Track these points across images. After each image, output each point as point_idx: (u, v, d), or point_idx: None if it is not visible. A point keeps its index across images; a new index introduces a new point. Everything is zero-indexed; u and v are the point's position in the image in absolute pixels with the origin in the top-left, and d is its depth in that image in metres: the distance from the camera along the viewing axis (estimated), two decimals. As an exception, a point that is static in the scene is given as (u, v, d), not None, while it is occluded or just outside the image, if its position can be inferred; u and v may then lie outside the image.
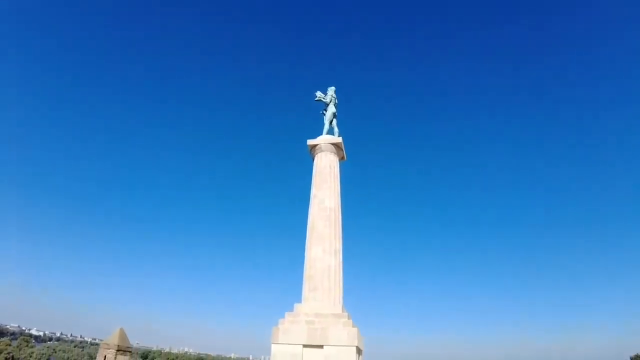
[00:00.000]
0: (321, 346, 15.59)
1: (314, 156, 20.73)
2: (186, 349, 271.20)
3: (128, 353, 29.46)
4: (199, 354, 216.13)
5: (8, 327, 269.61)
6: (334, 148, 20.49)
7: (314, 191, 19.52)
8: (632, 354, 49.15)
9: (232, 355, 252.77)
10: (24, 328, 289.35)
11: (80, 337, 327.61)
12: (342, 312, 16.83)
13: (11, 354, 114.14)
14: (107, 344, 28.11)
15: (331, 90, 22.00)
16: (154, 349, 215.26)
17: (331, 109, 21.54)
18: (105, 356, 27.79)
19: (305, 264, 18.22)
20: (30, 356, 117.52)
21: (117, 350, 28.07)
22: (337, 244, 18.37)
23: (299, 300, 17.84)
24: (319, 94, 21.91)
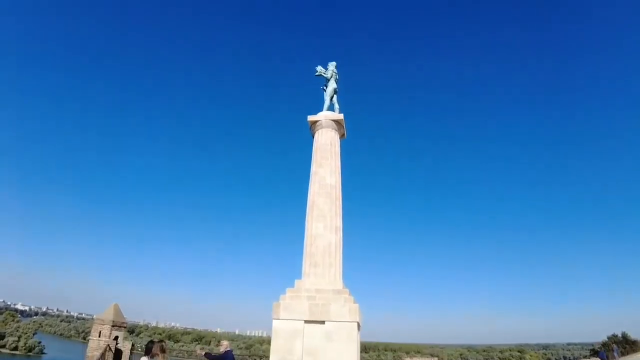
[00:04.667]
0: (323, 322, 15.77)
1: (314, 133, 20.45)
2: (173, 324, 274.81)
3: (123, 328, 29.51)
4: (185, 328, 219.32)
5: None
6: (334, 125, 20.22)
7: (314, 168, 19.34)
8: (610, 333, 51.01)
9: (218, 330, 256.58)
10: (9, 303, 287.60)
11: (67, 312, 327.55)
12: (343, 288, 17.00)
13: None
14: (102, 320, 28.08)
15: (332, 66, 21.48)
16: (141, 323, 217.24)
17: (332, 85, 21.10)
18: (100, 332, 27.79)
19: (305, 241, 18.23)
20: (17, 330, 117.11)
21: (112, 326, 28.09)
22: (338, 221, 18.39)
23: (297, 278, 17.91)
24: (319, 68, 21.40)
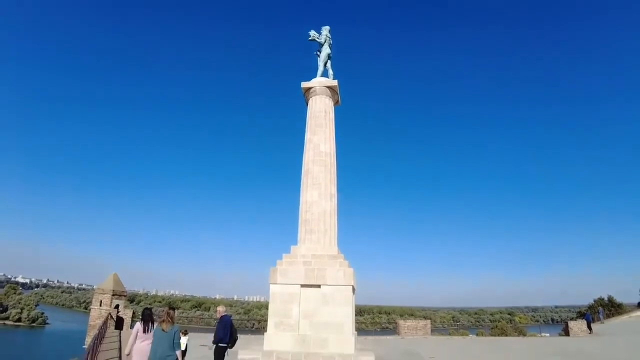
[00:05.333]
0: (319, 286, 16.14)
1: (308, 100, 20.18)
2: (172, 292, 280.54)
3: (123, 297, 30.09)
4: (184, 295, 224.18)
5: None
6: (328, 91, 19.91)
7: (308, 135, 19.21)
8: (596, 296, 52.42)
9: (217, 296, 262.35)
10: (9, 276, 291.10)
11: (67, 283, 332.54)
12: (338, 253, 17.31)
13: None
14: (102, 289, 28.58)
15: (325, 30, 20.88)
16: (141, 292, 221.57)
17: (325, 50, 20.59)
18: (101, 301, 28.34)
19: (300, 208, 18.37)
20: (19, 302, 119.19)
21: (113, 295, 28.64)
22: (333, 188, 18.47)
23: (293, 245, 18.15)
24: (312, 33, 20.79)
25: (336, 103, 20.85)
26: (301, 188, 18.66)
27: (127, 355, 8.81)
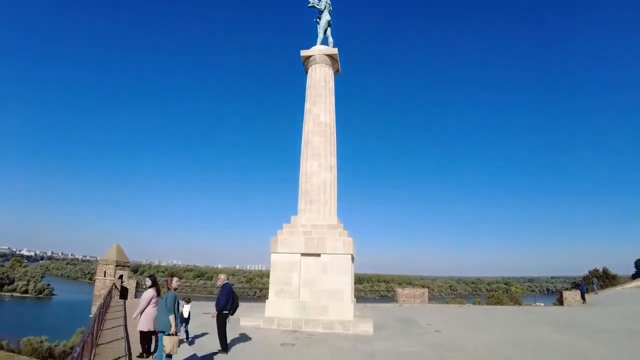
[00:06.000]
0: (318, 255, 16.38)
1: (308, 69, 19.80)
2: (175, 262, 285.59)
3: (126, 267, 30.61)
4: (187, 265, 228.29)
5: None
6: (328, 60, 19.51)
7: (308, 106, 18.98)
8: (591, 268, 53.11)
9: (219, 266, 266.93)
10: (14, 249, 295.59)
11: (72, 255, 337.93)
12: (338, 223, 17.48)
13: (5, 274, 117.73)
14: (106, 260, 29.02)
15: None
16: (144, 263, 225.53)
17: (325, 17, 20.01)
18: (105, 272, 28.84)
19: (300, 179, 18.39)
20: (25, 275, 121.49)
21: (116, 266, 29.11)
22: (332, 159, 18.42)
23: (293, 215, 18.29)
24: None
25: (336, 72, 20.49)
26: (301, 159, 18.63)
27: (134, 318, 9.08)
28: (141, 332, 8.97)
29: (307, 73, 19.91)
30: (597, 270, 52.07)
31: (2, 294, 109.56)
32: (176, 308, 7.96)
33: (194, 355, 9.37)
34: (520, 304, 33.13)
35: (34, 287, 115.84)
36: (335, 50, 19.58)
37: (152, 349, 9.13)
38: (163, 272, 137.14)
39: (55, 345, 35.10)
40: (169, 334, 7.51)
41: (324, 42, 20.13)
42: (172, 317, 7.59)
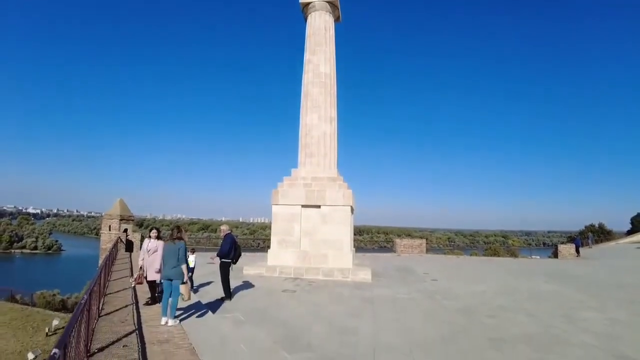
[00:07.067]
0: (318, 206, 16.56)
1: (307, 16, 18.92)
2: (179, 216, 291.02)
3: (131, 221, 31.16)
4: (191, 219, 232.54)
5: (5, 208, 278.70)
6: (328, 6, 18.59)
7: (307, 56, 18.35)
8: (587, 223, 53.86)
9: (223, 219, 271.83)
10: (20, 208, 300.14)
11: (77, 211, 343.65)
12: (338, 176, 17.52)
13: (14, 232, 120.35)
14: (110, 215, 29.51)
15: None
16: (148, 217, 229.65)
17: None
18: (110, 226, 29.41)
19: (300, 132, 18.19)
20: (33, 232, 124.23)
21: (120, 220, 29.63)
22: (332, 111, 18.10)
23: (293, 168, 18.28)
24: None
25: (337, 20, 19.64)
26: (301, 111, 18.30)
27: (140, 264, 9.38)
28: (149, 282, 9.31)
29: (306, 21, 19.09)
30: (593, 226, 53.04)
31: (13, 251, 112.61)
32: (186, 258, 8.23)
33: (199, 302, 9.71)
34: (516, 256, 33.95)
35: (43, 243, 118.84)
36: (335, -5, 18.64)
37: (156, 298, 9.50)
38: (167, 225, 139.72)
39: (68, 298, 36.60)
40: (183, 282, 7.82)
41: (324, -14, 19.10)
42: (184, 267, 7.87)
